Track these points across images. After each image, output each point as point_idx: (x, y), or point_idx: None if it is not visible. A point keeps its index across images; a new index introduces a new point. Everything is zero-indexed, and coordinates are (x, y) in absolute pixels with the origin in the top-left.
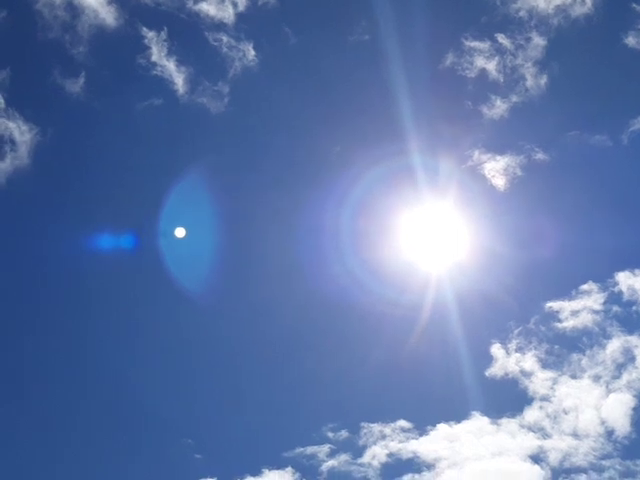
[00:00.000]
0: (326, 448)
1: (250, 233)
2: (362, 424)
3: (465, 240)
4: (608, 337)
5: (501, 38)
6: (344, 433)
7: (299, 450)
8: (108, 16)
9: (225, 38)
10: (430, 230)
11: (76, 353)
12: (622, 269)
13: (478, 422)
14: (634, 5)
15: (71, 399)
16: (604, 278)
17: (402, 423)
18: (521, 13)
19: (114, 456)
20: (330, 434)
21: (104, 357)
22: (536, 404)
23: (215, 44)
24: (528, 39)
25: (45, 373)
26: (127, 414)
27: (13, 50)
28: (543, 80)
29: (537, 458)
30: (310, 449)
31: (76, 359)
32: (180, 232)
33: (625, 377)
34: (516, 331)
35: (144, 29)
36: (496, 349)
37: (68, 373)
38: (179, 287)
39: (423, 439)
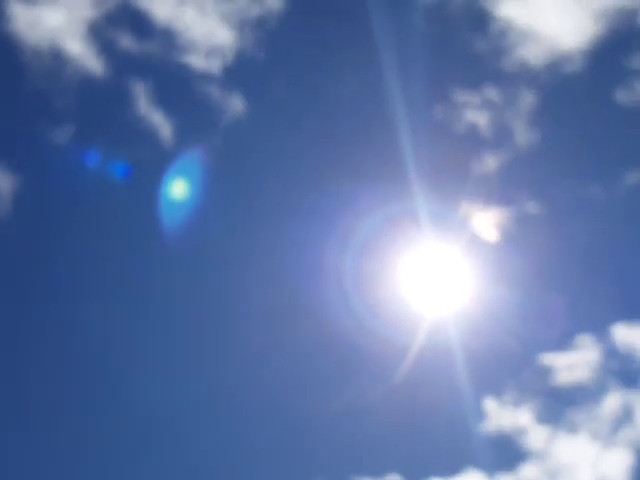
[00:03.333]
0: None
1: (246, 271)
2: (351, 477)
3: (457, 291)
4: (605, 392)
5: (491, 92)
6: None
7: None
8: (95, 66)
9: (213, 89)
10: (429, 273)
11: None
12: (617, 321)
13: (472, 477)
14: (623, 60)
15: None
16: (599, 331)
17: (393, 477)
18: (512, 69)
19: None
20: None
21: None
22: (532, 460)
23: (203, 96)
24: (518, 94)
25: None
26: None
27: None
28: (534, 135)
29: None
30: None
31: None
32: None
33: (623, 433)
34: (509, 384)
35: (131, 80)
36: (489, 402)
37: None
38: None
39: None
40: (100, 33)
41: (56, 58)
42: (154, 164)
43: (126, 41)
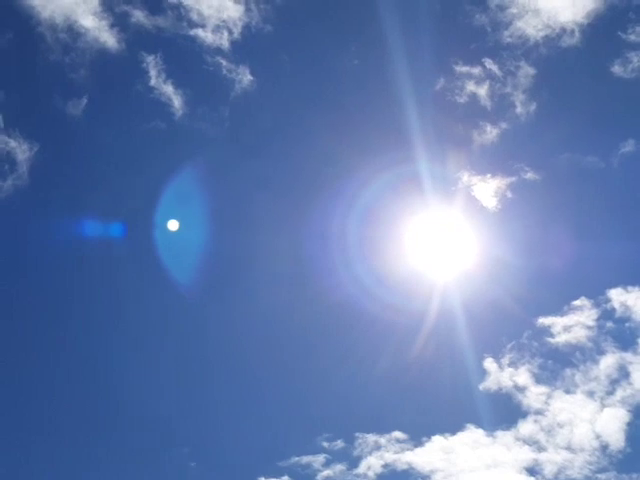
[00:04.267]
0: (321, 458)
1: (255, 238)
2: (357, 434)
3: (459, 256)
4: (601, 353)
5: (490, 64)
6: (339, 443)
7: (295, 459)
8: (109, 40)
9: (222, 62)
10: (431, 239)
11: (60, 348)
12: (614, 286)
13: (473, 434)
14: (620, 34)
15: (56, 400)
16: (596, 295)
17: (397, 434)
18: (511, 40)
19: (107, 464)
20: (325, 444)
21: (90, 354)
22: (530, 418)
23: (212, 68)
24: (518, 67)
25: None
26: (120, 418)
27: (16, 72)
28: (533, 107)
29: (532, 471)
30: (306, 459)
31: (60, 355)
32: (173, 225)
33: (619, 393)
34: (509, 346)
35: (143, 53)
36: (489, 363)
37: (51, 371)
38: (170, 281)
39: (418, 450)
40: (113, 8)
41: (71, 32)
42: (166, 134)
43: (138, 15)
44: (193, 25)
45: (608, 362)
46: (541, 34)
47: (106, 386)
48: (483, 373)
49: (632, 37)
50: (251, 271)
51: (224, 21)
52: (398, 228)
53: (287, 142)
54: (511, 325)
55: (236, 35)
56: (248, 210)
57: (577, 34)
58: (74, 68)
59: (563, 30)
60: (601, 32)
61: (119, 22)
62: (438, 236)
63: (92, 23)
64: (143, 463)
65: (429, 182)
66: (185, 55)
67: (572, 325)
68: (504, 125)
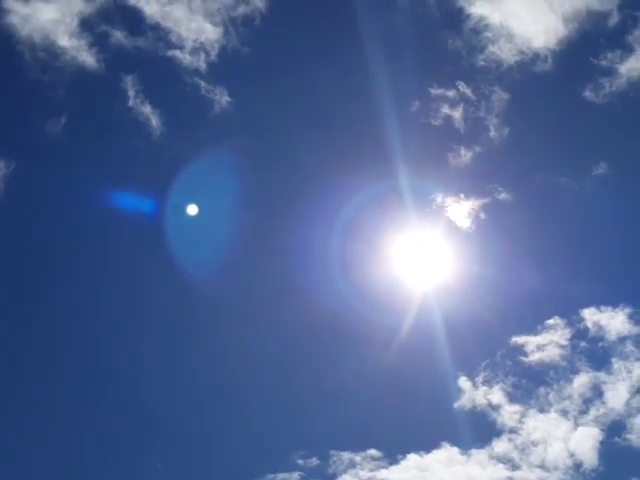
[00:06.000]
0: (296, 475)
1: (237, 254)
2: (332, 452)
3: (434, 275)
4: (575, 372)
5: (464, 88)
6: (314, 461)
7: (270, 477)
8: (87, 59)
9: (201, 83)
10: (405, 258)
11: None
12: (587, 305)
13: (448, 452)
14: (592, 59)
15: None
16: (570, 314)
17: (372, 452)
18: (485, 64)
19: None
20: (300, 461)
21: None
22: (505, 436)
23: (190, 89)
24: (492, 91)
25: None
26: (94, 428)
27: None
28: (506, 131)
29: None
30: (281, 476)
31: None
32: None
33: (592, 412)
34: (483, 364)
35: (121, 73)
36: (463, 382)
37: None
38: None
39: (393, 468)
40: (92, 28)
41: (49, 51)
42: (144, 154)
43: (117, 36)
44: (172, 46)
45: (581, 381)
46: (515, 59)
47: (81, 387)
48: (458, 391)
49: (604, 63)
50: (231, 286)
51: (202, 43)
52: (373, 246)
53: (266, 161)
54: (485, 344)
55: (213, 57)
56: (230, 226)
57: (550, 59)
58: (52, 87)
59: (536, 55)
60: (573, 58)
61: (98, 42)
62: (412, 256)
63: (71, 42)
64: (116, 478)
65: (404, 203)
66: (163, 76)
67: (545, 344)
68: (478, 148)
